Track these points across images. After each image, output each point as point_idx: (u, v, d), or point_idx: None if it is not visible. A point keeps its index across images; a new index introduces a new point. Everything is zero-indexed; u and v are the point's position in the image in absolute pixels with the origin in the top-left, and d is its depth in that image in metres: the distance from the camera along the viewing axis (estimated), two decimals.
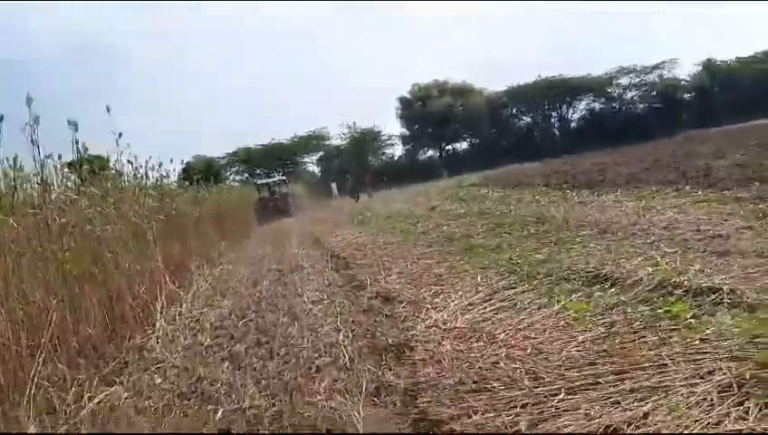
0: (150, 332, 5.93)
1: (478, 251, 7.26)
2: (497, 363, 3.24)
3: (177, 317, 6.70)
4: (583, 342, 3.40)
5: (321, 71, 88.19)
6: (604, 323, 3.70)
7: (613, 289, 4.48)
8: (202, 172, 21.66)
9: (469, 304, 4.85)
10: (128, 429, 3.68)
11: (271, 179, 38.31)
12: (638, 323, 3.62)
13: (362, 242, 10.83)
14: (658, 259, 5.22)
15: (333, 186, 45.41)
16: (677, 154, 21.19)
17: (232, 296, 7.78)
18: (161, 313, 6.39)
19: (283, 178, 38.18)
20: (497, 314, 4.45)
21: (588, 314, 3.95)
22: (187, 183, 15.10)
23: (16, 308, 4.30)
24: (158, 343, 5.64)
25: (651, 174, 15.45)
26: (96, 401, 4.18)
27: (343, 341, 4.69)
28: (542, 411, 2.62)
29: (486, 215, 11.31)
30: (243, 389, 4.02)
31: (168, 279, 7.56)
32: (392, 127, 67.09)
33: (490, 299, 4.94)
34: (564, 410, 2.58)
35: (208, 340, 5.59)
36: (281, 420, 3.38)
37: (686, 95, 59.04)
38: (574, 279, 5.12)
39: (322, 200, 40.35)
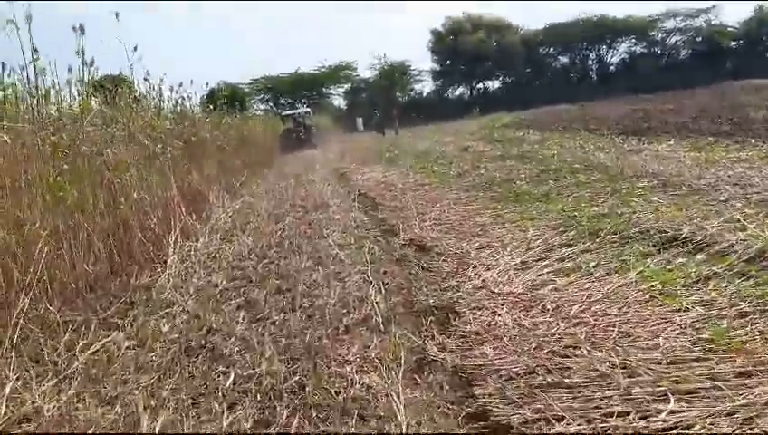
0: (161, 269, 5.40)
1: (524, 199, 6.54)
2: (576, 348, 2.60)
3: (192, 253, 6.16)
4: (681, 325, 2.72)
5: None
6: (701, 300, 3.01)
7: (699, 256, 3.76)
8: (226, 97, 20.93)
9: (522, 263, 4.18)
10: (123, 388, 3.15)
11: (296, 111, 37.08)
12: (744, 303, 2.92)
13: (391, 182, 10.13)
14: (742, 221, 4.47)
15: (359, 120, 44.23)
16: (726, 104, 19.87)
17: (252, 233, 7.21)
18: (174, 248, 5.84)
19: (308, 109, 37.21)
20: (559, 277, 3.79)
21: (677, 286, 3.25)
22: (211, 107, 14.37)
23: (5, 238, 3.73)
24: (168, 282, 5.10)
25: (702, 123, 14.38)
26: (91, 350, 3.67)
27: (375, 296, 4.09)
28: (649, 424, 1.98)
29: (527, 159, 10.49)
30: (259, 348, 3.46)
31: (183, 210, 6.98)
32: (423, 62, 65.15)
33: (547, 258, 4.26)
34: (679, 426, 1.94)
35: (224, 282, 5.03)
36: (302, 396, 2.81)
37: (732, 43, 55.77)
38: (644, 240, 4.41)
39: (348, 134, 39.41)
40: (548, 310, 3.13)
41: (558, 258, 4.23)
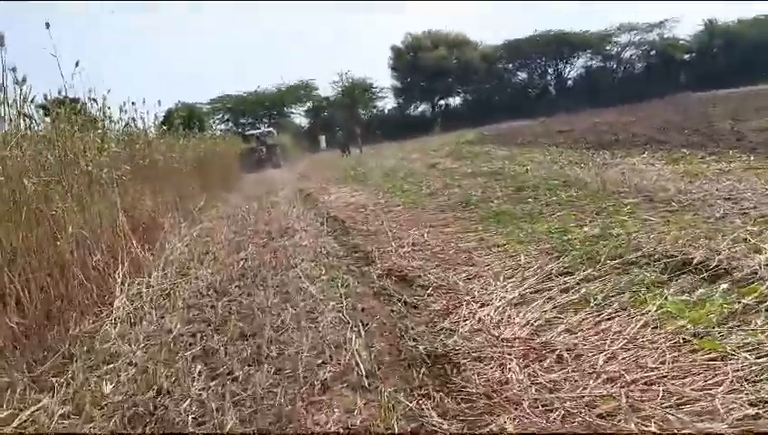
0: (106, 313, 4.73)
1: (507, 220, 6.08)
2: (614, 416, 2.10)
3: (144, 291, 5.50)
4: (733, 379, 2.25)
5: (309, 16, 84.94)
6: (745, 344, 2.56)
7: (721, 285, 3.33)
8: (183, 118, 20.12)
9: (521, 296, 3.69)
10: None
11: (258, 130, 37.77)
12: None
13: (360, 202, 9.61)
14: (753, 241, 4.09)
15: (322, 138, 43.72)
16: (689, 115, 20.06)
17: (211, 264, 6.58)
18: (122, 287, 5.18)
19: (271, 129, 37.72)
20: (566, 314, 3.30)
21: (710, 326, 2.80)
22: (165, 128, 13.62)
23: None
24: (114, 328, 4.45)
25: (670, 135, 14.32)
26: (15, 422, 3.01)
27: (354, 341, 3.53)
28: None
29: (500, 175, 10.10)
30: (219, 416, 2.87)
31: (134, 242, 6.31)
32: (384, 80, 65.09)
33: (546, 289, 3.79)
34: None
35: (179, 326, 4.41)
36: None
37: (685, 56, 57.43)
38: (649, 265, 3.97)
39: (311, 153, 38.82)
40: (565, 360, 2.63)
41: (558, 289, 3.75)
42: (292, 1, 69.71)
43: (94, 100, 7.39)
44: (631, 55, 58.41)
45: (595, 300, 3.43)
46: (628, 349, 2.65)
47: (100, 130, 6.54)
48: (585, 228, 5.27)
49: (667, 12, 59.02)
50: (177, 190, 10.82)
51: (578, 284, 3.82)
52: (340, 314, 4.09)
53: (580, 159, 11.23)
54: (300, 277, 5.34)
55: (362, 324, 3.79)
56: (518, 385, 2.42)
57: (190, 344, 4.00)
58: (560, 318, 3.25)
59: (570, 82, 57.42)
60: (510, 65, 56.73)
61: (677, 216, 5.38)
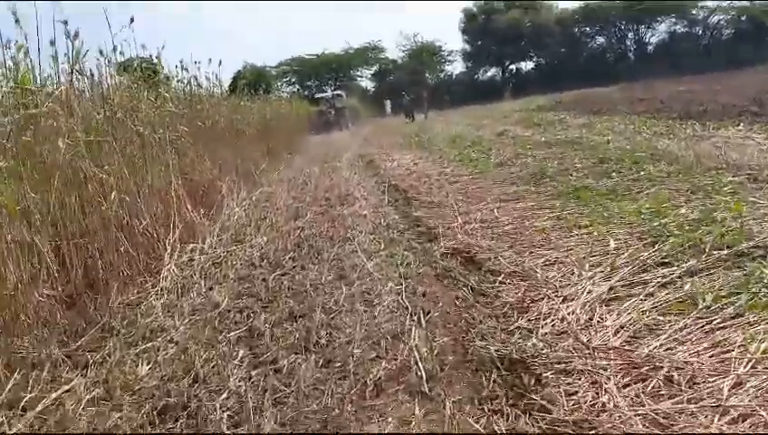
0: (152, 283, 4.49)
1: (588, 197, 5.45)
2: None
3: (196, 259, 5.25)
4: None
5: None
6: None
7: None
8: (249, 80, 20.01)
9: (611, 291, 3.15)
10: None
11: (328, 93, 38.02)
12: None
13: (424, 171, 9.10)
14: None
15: (387, 103, 43.04)
16: None
17: (267, 232, 6.29)
18: (171, 254, 4.93)
19: (340, 92, 37.94)
20: (669, 317, 2.75)
21: None
22: (229, 90, 13.45)
23: None
24: (159, 299, 4.20)
25: (766, 106, 12.98)
26: (40, 405, 2.77)
27: (414, 333, 3.10)
28: None
29: (577, 145, 9.33)
30: (256, 416, 2.51)
31: (189, 206, 6.08)
32: (454, 43, 63.42)
33: (641, 282, 3.23)
34: None
35: (227, 300, 4.11)
36: None
37: None
38: (765, 258, 3.34)
39: (376, 117, 38.33)
40: (677, 384, 2.10)
41: (657, 284, 3.18)
42: None
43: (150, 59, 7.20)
44: (719, 21, 54.33)
45: (704, 301, 2.85)
46: (758, 373, 2.10)
47: (152, 89, 6.22)
48: (682, 210, 4.59)
49: None
50: (239, 153, 10.62)
51: (679, 278, 3.23)
52: (399, 299, 3.66)
53: (667, 129, 10.27)
54: (356, 251, 4.95)
55: (423, 313, 3.36)
56: (618, 415, 1.92)
57: (236, 323, 3.68)
58: (662, 322, 2.70)
59: (650, 48, 54.09)
60: (587, 29, 53.89)
61: None
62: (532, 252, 3.98)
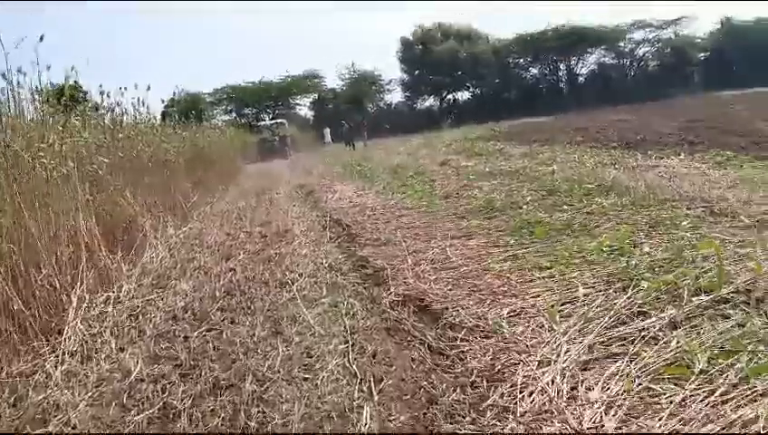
0: (53, 344, 3.79)
1: (543, 232, 5.11)
2: None
3: (110, 310, 4.55)
4: None
5: (317, 7, 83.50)
6: None
7: None
8: (181, 107, 19.16)
9: (590, 350, 2.73)
10: None
11: (270, 121, 39.63)
12: None
13: (368, 204, 8.64)
14: None
15: (327, 131, 42.66)
16: (714, 115, 18.95)
17: (194, 275, 5.64)
18: (77, 308, 4.23)
19: (283, 120, 39.26)
20: (663, 385, 2.34)
21: None
22: (159, 118, 12.69)
23: None
24: (58, 367, 3.51)
25: (702, 135, 13.29)
26: None
27: (364, 408, 2.58)
28: None
29: (522, 176, 9.11)
30: None
31: (103, 248, 5.36)
32: (391, 72, 63.99)
33: (621, 339, 2.83)
34: None
35: (140, 365, 3.46)
36: None
37: (700, 55, 56.10)
38: (748, 304, 3.03)
39: (316, 146, 37.84)
40: None
41: (638, 339, 2.79)
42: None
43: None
44: (645, 53, 57.16)
45: (699, 363, 2.46)
46: None
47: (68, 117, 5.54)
48: (645, 247, 4.29)
49: (684, 10, 57.52)
50: (168, 185, 9.89)
51: (661, 332, 2.86)
52: (345, 361, 3.13)
53: (611, 159, 10.24)
54: (296, 299, 4.40)
55: (374, 380, 2.85)
56: None
57: (149, 398, 3.05)
58: (657, 393, 2.29)
59: (581, 78, 56.22)
60: (521, 60, 55.53)
61: (756, 234, 4.40)
62: (493, 300, 3.54)
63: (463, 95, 56.38)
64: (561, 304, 3.35)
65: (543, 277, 3.89)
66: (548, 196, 6.91)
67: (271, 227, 7.96)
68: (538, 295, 3.51)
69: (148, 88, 10.11)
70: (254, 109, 51.97)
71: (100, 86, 8.24)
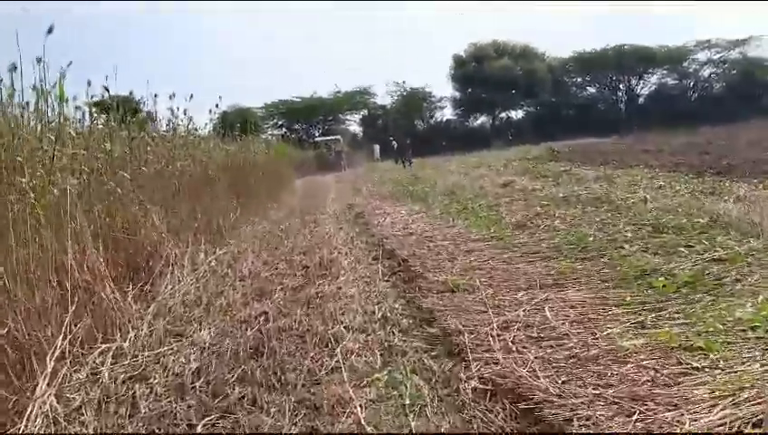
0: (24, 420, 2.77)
1: (668, 287, 3.85)
2: None
3: (104, 370, 3.54)
4: None
5: (371, 25, 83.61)
6: None
7: None
8: (232, 120, 18.53)
9: None
10: None
11: (328, 137, 41.01)
12: None
13: (425, 231, 7.50)
14: None
15: (376, 148, 41.88)
16: None
17: (219, 318, 4.61)
18: (53, 375, 3.20)
19: (339, 137, 40.85)
20: None
21: None
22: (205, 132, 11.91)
23: None
24: None
25: None
26: None
27: None
28: None
29: (607, 204, 7.80)
30: None
31: (109, 284, 4.38)
32: (443, 89, 62.98)
33: None
34: None
35: None
36: None
37: None
38: None
39: (366, 162, 37.07)
40: None
41: None
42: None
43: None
44: (710, 74, 54.41)
45: None
46: None
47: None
48: None
49: (753, 29, 54.59)
50: (208, 204, 8.99)
51: None
52: None
53: (707, 187, 8.82)
54: (339, 368, 3.29)
55: None
56: None
57: None
58: None
59: (641, 99, 53.88)
60: (578, 79, 53.66)
61: None
62: (642, 412, 2.31)
63: (516, 113, 54.87)
64: (735, 420, 2.12)
65: (703, 367, 2.65)
66: (654, 233, 5.61)
67: (314, 255, 6.91)
68: (713, 405, 2.28)
69: (191, 97, 9.27)
70: (304, 124, 51.76)
71: (155, 96, 7.81)
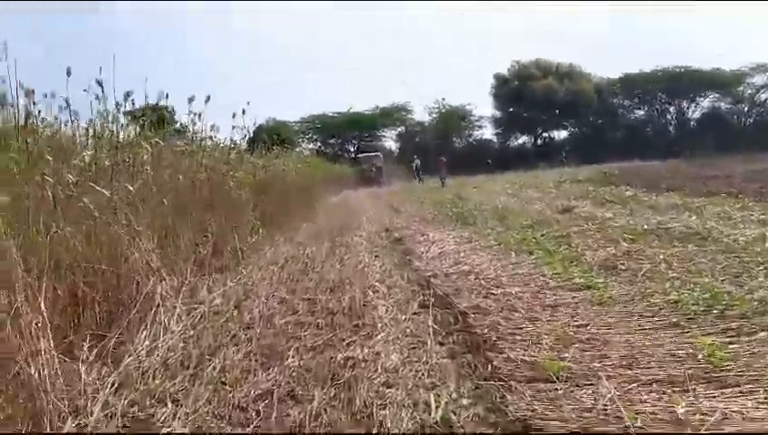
0: None
1: None
2: None
3: None
4: None
5: (410, 43, 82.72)
6: None
7: None
8: (268, 134, 17.51)
9: None
10: None
11: (369, 153, 42.17)
12: None
13: (483, 268, 6.05)
14: None
15: (417, 162, 40.43)
16: None
17: (205, 398, 3.22)
18: None
19: (379, 153, 42.33)
20: None
21: None
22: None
23: None
24: None
25: None
26: None
27: None
28: None
29: (710, 242, 6.22)
30: None
31: (49, 342, 3.04)
32: (483, 108, 61.46)
33: None
34: None
35: None
36: None
37: None
38: None
39: (404, 180, 35.72)
40: None
41: None
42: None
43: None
44: (767, 99, 51.68)
45: None
46: None
47: None
48: None
49: None
50: (226, 223, 7.72)
51: None
52: None
53: None
54: None
55: None
56: None
57: None
58: None
59: (693, 123, 51.41)
60: (626, 101, 51.52)
61: None
62: None
63: (559, 133, 52.95)
64: None
65: None
66: None
67: (343, 294, 5.50)
68: None
69: (207, 99, 8.02)
70: (339, 139, 50.86)
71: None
